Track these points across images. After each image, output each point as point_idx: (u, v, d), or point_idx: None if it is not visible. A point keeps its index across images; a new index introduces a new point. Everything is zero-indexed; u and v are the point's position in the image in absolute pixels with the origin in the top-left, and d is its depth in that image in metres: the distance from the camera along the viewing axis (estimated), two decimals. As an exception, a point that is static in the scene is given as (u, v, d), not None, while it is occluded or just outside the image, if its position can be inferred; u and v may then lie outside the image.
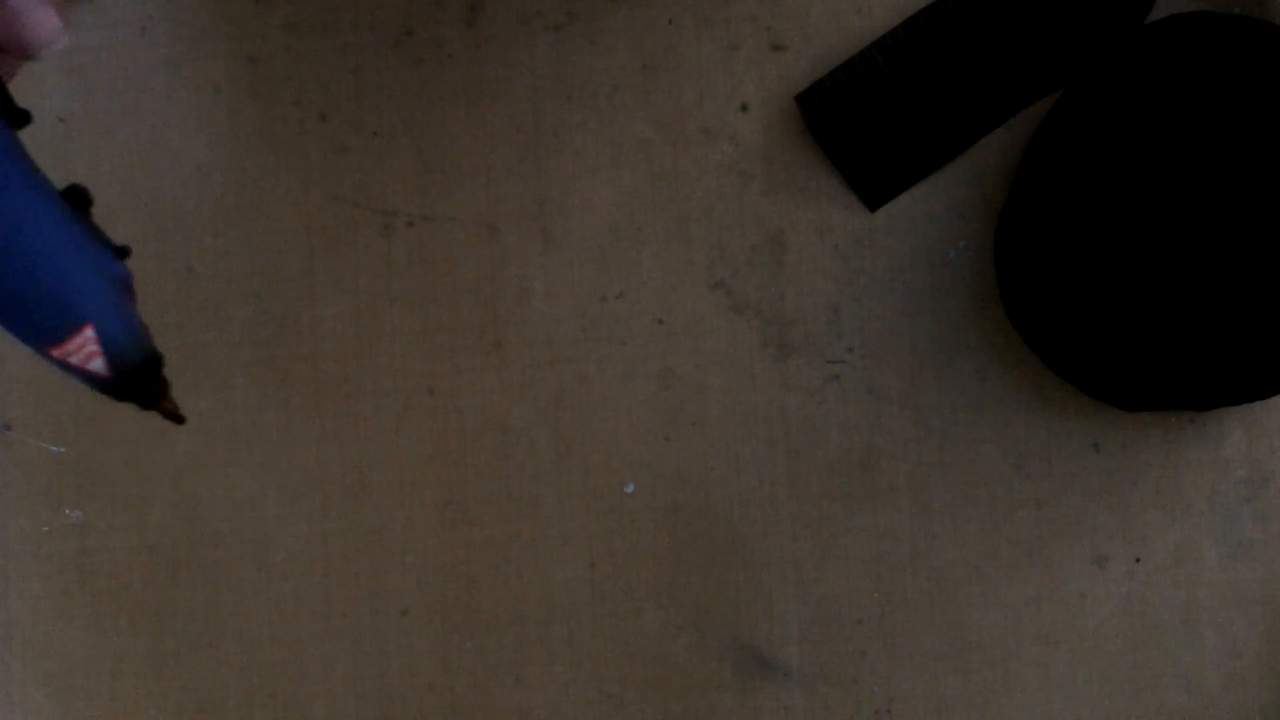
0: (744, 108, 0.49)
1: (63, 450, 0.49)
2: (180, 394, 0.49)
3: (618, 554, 0.49)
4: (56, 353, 0.33)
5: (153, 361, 0.36)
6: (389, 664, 0.48)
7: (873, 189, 0.49)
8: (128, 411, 0.49)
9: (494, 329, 0.49)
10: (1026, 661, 0.48)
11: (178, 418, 0.38)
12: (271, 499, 0.49)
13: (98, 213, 0.49)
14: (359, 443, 0.49)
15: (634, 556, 0.49)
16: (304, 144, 0.49)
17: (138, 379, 0.35)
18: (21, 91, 0.49)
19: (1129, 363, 0.46)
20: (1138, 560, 0.49)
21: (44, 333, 0.33)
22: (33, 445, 0.49)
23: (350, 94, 0.49)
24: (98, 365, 0.34)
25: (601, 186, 0.49)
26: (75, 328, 0.33)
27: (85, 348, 0.34)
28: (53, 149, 0.49)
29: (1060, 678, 0.48)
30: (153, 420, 0.49)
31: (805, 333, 0.49)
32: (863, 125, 0.49)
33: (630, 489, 0.49)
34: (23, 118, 0.34)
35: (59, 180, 0.35)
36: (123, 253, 0.36)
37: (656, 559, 0.49)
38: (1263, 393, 0.47)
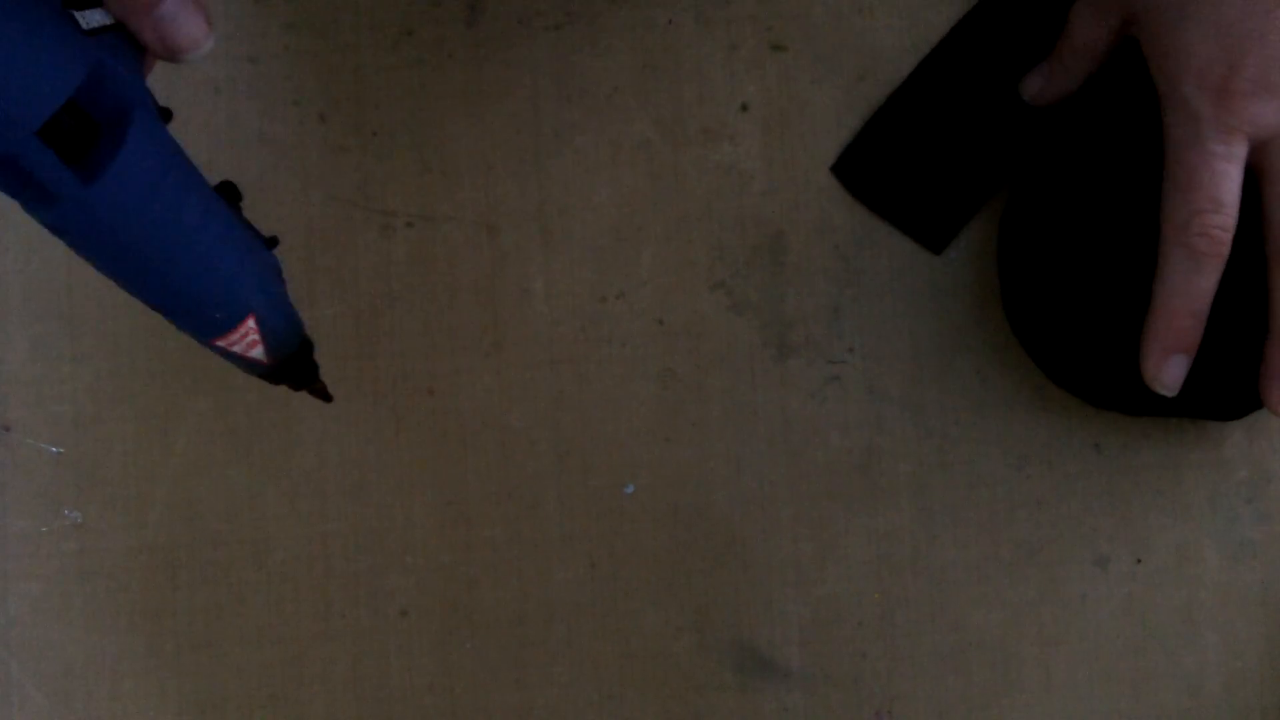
0: (744, 108, 0.49)
1: (62, 451, 0.49)
2: (180, 394, 0.49)
3: (618, 554, 0.49)
4: (221, 342, 0.35)
5: (306, 347, 0.37)
6: (389, 664, 0.48)
7: (933, 233, 0.49)
8: (128, 412, 0.49)
9: (494, 329, 0.49)
10: (1027, 662, 0.48)
11: (327, 396, 0.40)
12: (271, 499, 0.49)
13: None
14: (359, 443, 0.49)
15: (634, 557, 0.49)
16: (304, 144, 0.49)
17: (293, 364, 0.37)
18: (21, 91, 0.49)
19: (1131, 373, 0.45)
20: (1139, 561, 0.49)
21: (212, 324, 0.34)
22: (33, 445, 0.49)
23: (350, 94, 0.49)
24: (258, 353, 0.36)
25: (601, 186, 0.49)
26: (240, 319, 0.34)
27: (247, 337, 0.35)
28: (53, 149, 0.49)
29: (1061, 678, 0.48)
30: (153, 421, 0.49)
31: (805, 333, 0.49)
32: (903, 175, 0.48)
33: (630, 489, 0.49)
34: (167, 115, 0.35)
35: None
36: (272, 243, 0.37)
37: (656, 559, 0.49)
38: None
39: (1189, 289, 0.42)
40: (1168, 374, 0.43)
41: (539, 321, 0.49)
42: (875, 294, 0.49)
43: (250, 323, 0.35)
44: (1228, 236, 0.41)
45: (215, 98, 0.49)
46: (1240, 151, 0.41)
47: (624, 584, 0.49)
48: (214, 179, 0.35)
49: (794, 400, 0.49)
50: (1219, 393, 0.46)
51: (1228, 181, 0.41)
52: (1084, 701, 0.48)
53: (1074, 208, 0.46)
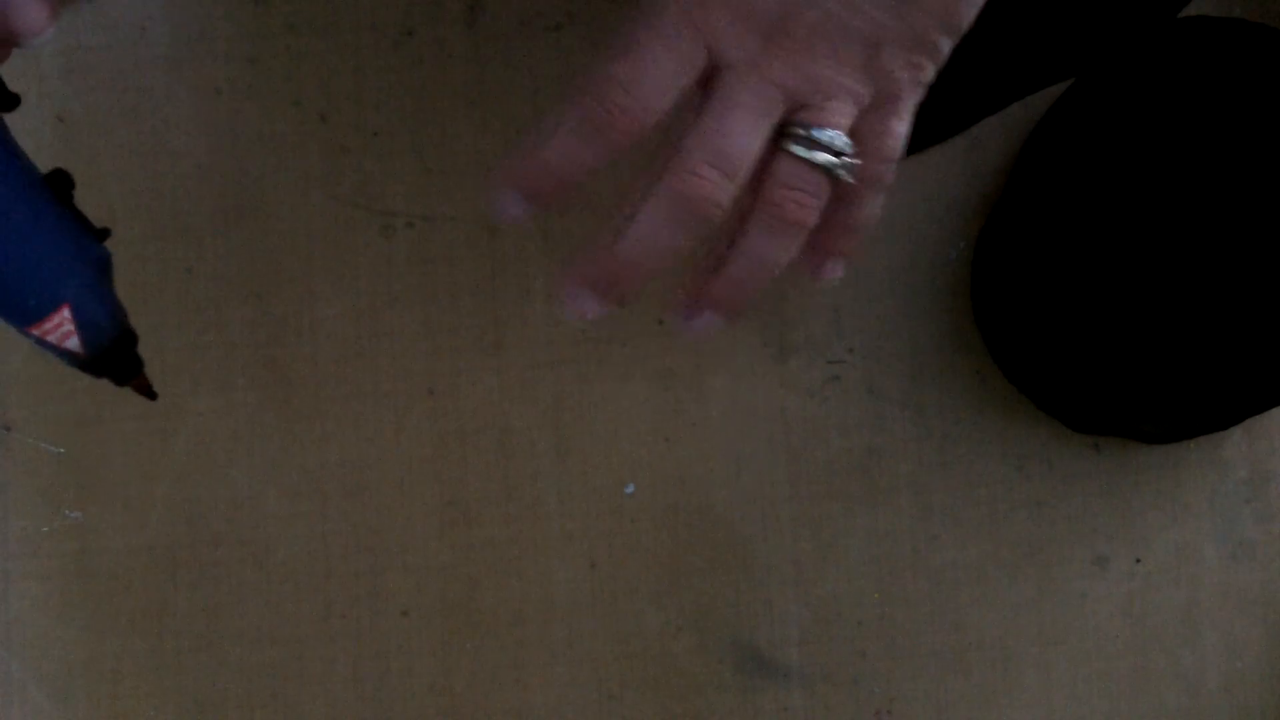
0: (744, 108, 0.49)
1: (63, 451, 0.49)
2: (180, 394, 0.49)
3: (618, 554, 0.49)
4: (35, 331, 0.35)
5: (127, 340, 0.37)
6: (389, 664, 0.48)
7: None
8: (128, 412, 0.49)
9: (494, 329, 0.49)
10: (1027, 662, 0.48)
11: (151, 393, 0.39)
12: (271, 499, 0.49)
13: (98, 210, 0.49)
14: (359, 443, 0.49)
15: (634, 557, 0.49)
16: (304, 144, 0.49)
17: (112, 357, 0.37)
18: (21, 91, 0.49)
19: (1108, 400, 0.45)
20: (1138, 561, 0.49)
21: (24, 312, 0.34)
22: (33, 445, 0.49)
23: (350, 94, 0.49)
24: (73, 344, 0.35)
25: (601, 187, 0.49)
26: (53, 308, 0.34)
27: (62, 327, 0.35)
28: (53, 149, 0.49)
29: (1060, 678, 0.48)
30: (153, 421, 0.49)
31: (805, 333, 0.49)
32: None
33: (630, 489, 0.49)
34: (12, 101, 0.35)
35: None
36: (102, 235, 0.37)
37: (656, 559, 0.49)
38: (1227, 422, 0.46)
39: (563, 141, 0.38)
40: (502, 207, 0.39)
41: (539, 321, 0.49)
42: (875, 294, 0.49)
43: (65, 313, 0.35)
44: (628, 121, 0.37)
45: (216, 98, 0.49)
46: (689, 51, 0.37)
47: (624, 584, 0.49)
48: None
49: (794, 400, 0.49)
50: (1189, 414, 0.45)
51: (653, 67, 0.37)
52: (1084, 701, 0.48)
53: (1045, 237, 0.45)
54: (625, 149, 0.38)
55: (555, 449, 0.49)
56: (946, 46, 0.38)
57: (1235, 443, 0.49)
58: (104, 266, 0.36)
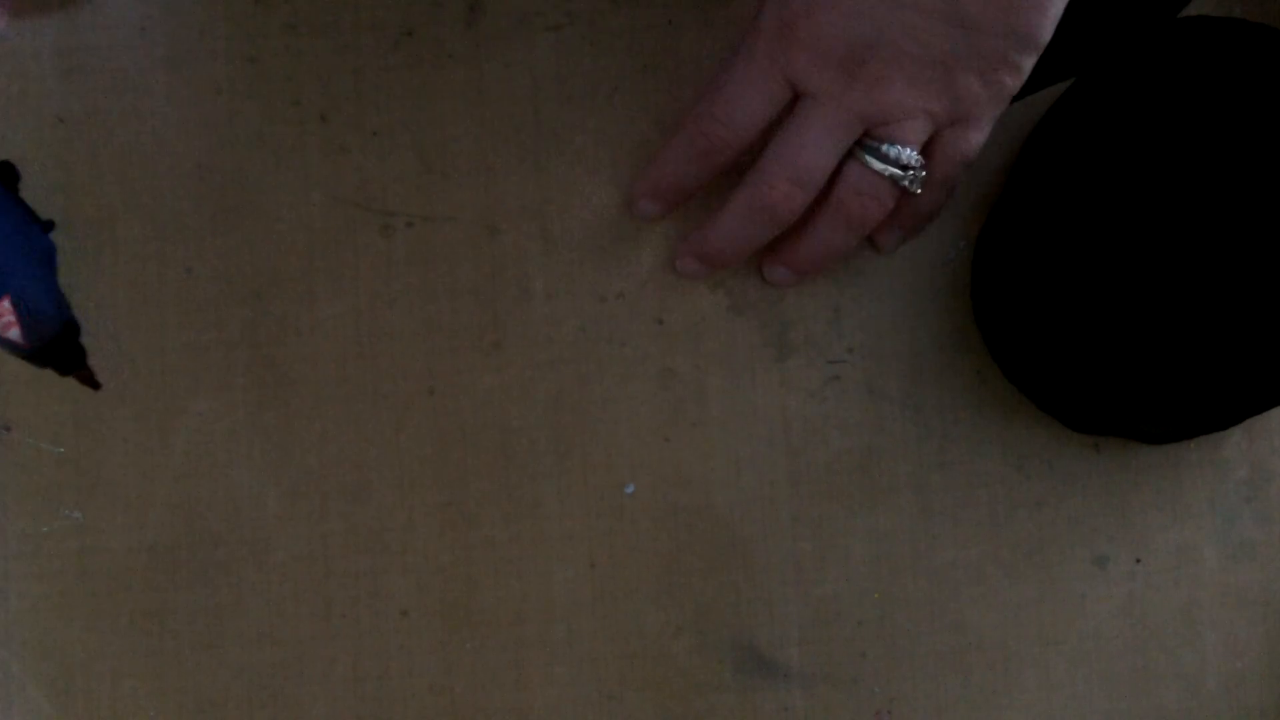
0: (744, 108, 0.49)
1: (63, 451, 0.49)
2: (180, 394, 0.49)
3: (618, 554, 0.49)
4: None
5: (69, 331, 0.37)
6: (389, 664, 0.48)
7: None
8: (128, 412, 0.49)
9: (494, 329, 0.49)
10: (1027, 662, 0.48)
11: (94, 383, 0.39)
12: (271, 499, 0.49)
13: (98, 210, 0.50)
14: (359, 443, 0.49)
15: (634, 557, 0.49)
16: (304, 144, 0.49)
17: (54, 348, 0.37)
18: (21, 91, 0.49)
19: (1107, 400, 0.45)
20: (1138, 561, 0.49)
21: None
22: (33, 446, 0.49)
23: (350, 94, 0.49)
24: (14, 335, 0.35)
25: (601, 186, 0.49)
26: None
27: (3, 317, 0.35)
28: (53, 149, 0.49)
29: (1060, 678, 0.48)
30: (153, 421, 0.49)
31: (805, 333, 0.49)
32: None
33: (630, 489, 0.49)
34: None
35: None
36: (47, 226, 0.37)
37: (656, 559, 0.49)
38: (1227, 423, 0.46)
39: (676, 162, 0.46)
40: (640, 208, 0.48)
41: (539, 321, 0.49)
42: (875, 294, 0.49)
43: (5, 304, 0.35)
44: (725, 147, 0.44)
45: (215, 98, 0.49)
46: (775, 89, 0.43)
47: (624, 584, 0.49)
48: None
49: (794, 400, 0.49)
50: (1188, 414, 0.45)
51: (743, 103, 0.43)
52: (1084, 701, 0.48)
53: (1045, 237, 0.45)
54: (726, 167, 0.45)
55: (555, 449, 0.49)
56: (1026, 60, 0.41)
57: (1235, 443, 0.49)
58: (48, 258, 0.36)
